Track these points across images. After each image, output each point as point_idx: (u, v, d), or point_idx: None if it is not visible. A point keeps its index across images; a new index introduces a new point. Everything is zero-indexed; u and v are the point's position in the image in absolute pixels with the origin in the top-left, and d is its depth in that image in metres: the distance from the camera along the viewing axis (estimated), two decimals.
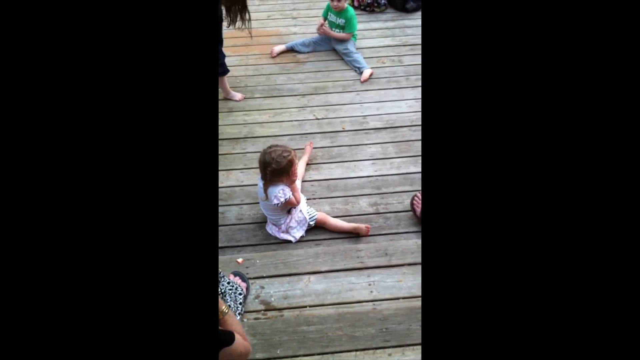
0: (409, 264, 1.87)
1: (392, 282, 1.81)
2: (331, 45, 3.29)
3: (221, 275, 1.70)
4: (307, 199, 2.15)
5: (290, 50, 3.31)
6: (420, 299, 1.74)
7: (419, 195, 2.05)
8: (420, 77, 3.01)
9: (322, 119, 2.69)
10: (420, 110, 2.73)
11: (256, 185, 2.19)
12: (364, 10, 3.79)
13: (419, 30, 3.52)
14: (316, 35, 3.34)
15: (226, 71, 2.63)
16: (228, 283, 1.69)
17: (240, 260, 1.90)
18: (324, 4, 3.31)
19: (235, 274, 1.80)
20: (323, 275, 1.84)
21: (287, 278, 1.83)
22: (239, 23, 2.25)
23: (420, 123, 2.62)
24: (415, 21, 3.66)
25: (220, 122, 2.60)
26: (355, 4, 3.76)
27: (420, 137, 2.52)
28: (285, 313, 1.71)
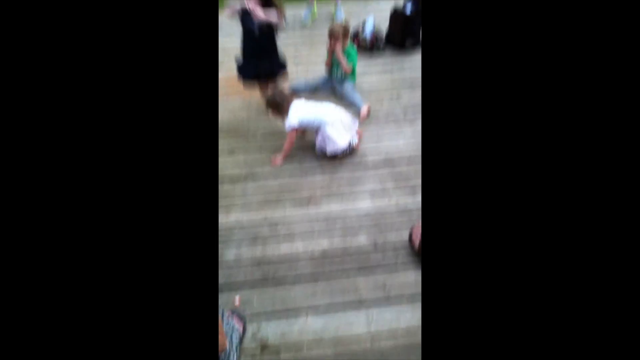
0: (407, 298, 1.84)
1: (390, 316, 1.78)
2: (331, 86, 3.38)
3: (222, 312, 1.70)
4: (304, 232, 2.17)
5: (293, 92, 3.41)
6: (418, 332, 1.70)
7: (417, 228, 2.04)
8: (417, 113, 3.05)
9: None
10: (417, 146, 2.75)
11: (254, 225, 2.24)
12: (363, 49, 3.90)
13: (416, 68, 3.60)
14: (317, 77, 3.45)
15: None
16: (227, 324, 1.68)
17: (237, 302, 1.89)
18: (325, 47, 3.42)
19: (233, 311, 1.79)
20: (321, 311, 1.82)
21: (285, 314, 1.82)
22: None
23: (417, 158, 2.64)
24: (413, 58, 3.75)
25: (220, 163, 2.66)
26: (355, 43, 3.88)
27: (417, 172, 2.53)
28: (283, 355, 1.68)
